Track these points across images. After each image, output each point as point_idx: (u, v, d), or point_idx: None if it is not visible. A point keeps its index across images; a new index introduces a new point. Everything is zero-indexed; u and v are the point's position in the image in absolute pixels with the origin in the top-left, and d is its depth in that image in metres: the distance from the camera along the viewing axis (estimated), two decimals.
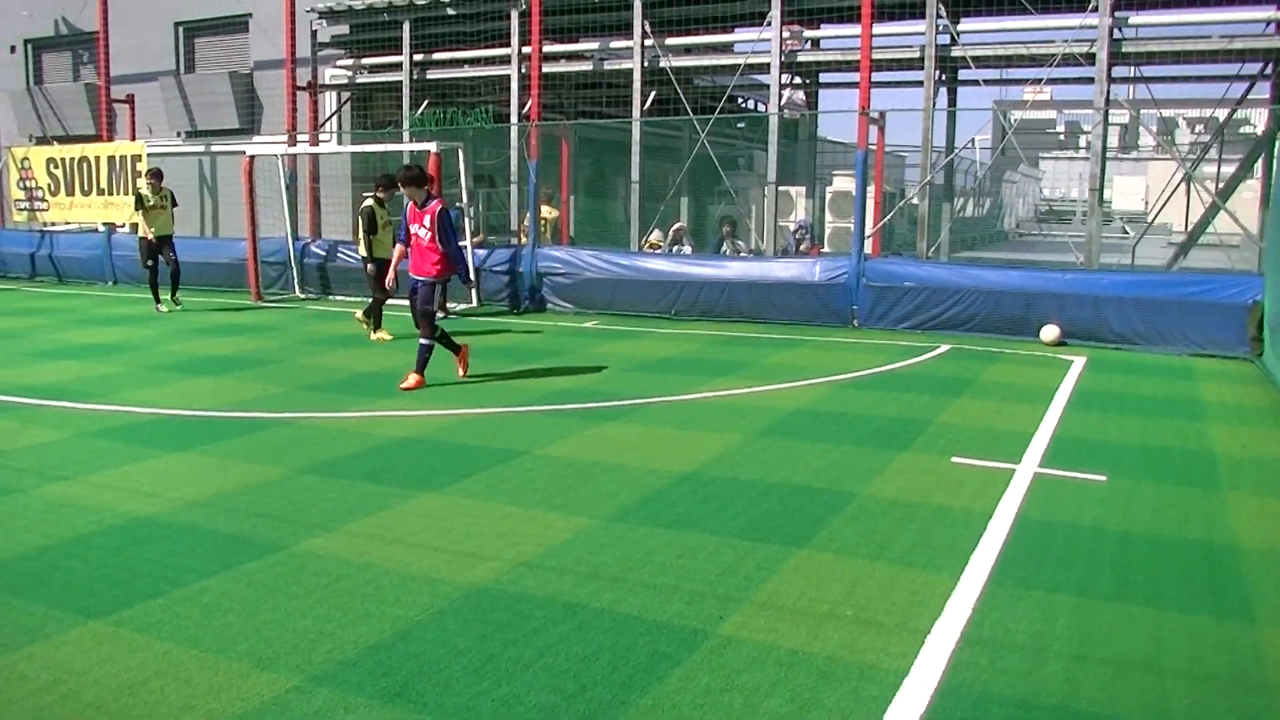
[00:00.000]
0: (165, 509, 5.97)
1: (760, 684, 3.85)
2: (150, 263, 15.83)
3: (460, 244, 15.79)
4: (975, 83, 17.45)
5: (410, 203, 9.91)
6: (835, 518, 5.84)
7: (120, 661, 4.02)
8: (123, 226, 20.17)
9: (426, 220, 9.80)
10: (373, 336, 12.99)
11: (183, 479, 6.62)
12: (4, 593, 4.73)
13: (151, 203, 15.61)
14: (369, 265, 12.95)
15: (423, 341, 9.78)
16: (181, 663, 4.02)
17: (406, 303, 13.50)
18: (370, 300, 13.30)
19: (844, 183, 20.50)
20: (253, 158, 17.10)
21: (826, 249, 19.31)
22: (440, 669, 3.96)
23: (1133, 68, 16.68)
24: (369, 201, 13.10)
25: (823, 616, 4.48)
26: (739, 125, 23.90)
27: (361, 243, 13.14)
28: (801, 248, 17.47)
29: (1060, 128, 73.30)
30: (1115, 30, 14.57)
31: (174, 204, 16.10)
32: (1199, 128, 21.70)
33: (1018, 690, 3.84)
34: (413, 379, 9.65)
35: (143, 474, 6.72)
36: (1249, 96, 17.04)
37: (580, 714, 3.63)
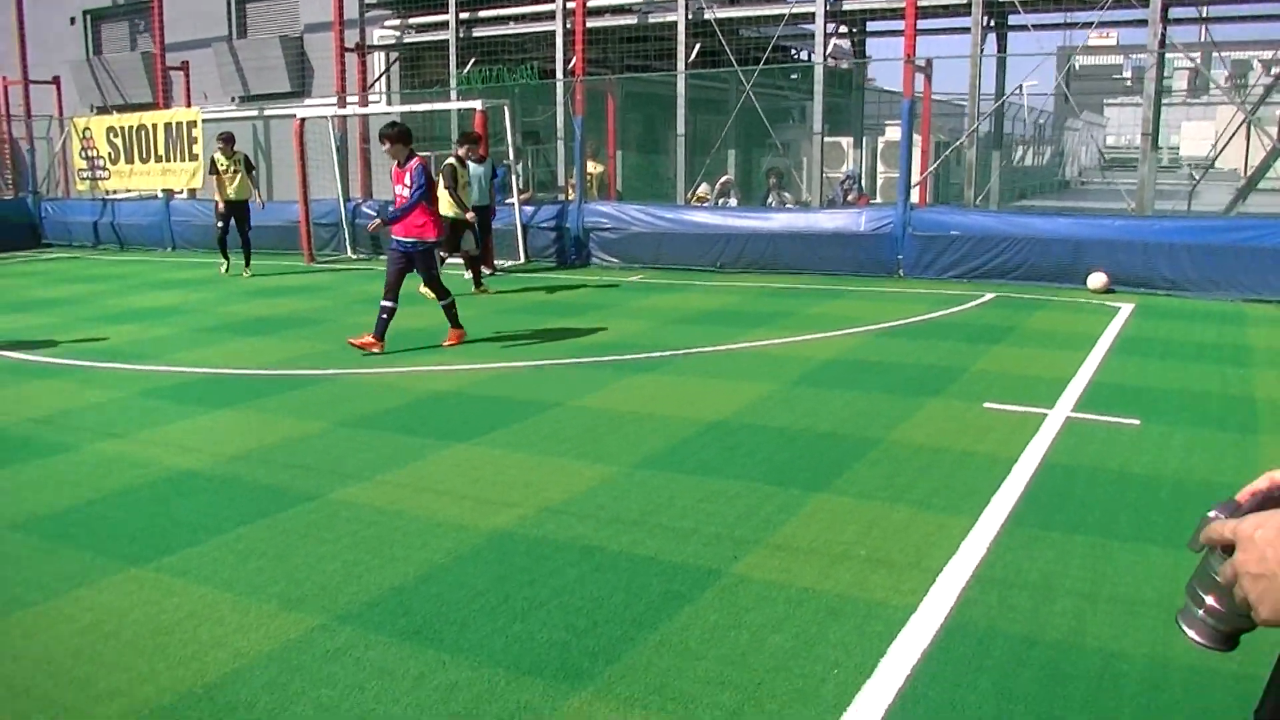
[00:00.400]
0: (208, 463, 6.18)
1: (768, 620, 3.94)
2: (221, 224, 15.95)
3: (509, 201, 16.05)
4: (1025, 27, 17.13)
5: (394, 163, 9.78)
6: (858, 463, 5.90)
7: (158, 604, 4.22)
8: (181, 193, 20.54)
9: (407, 178, 9.59)
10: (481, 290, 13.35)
11: (226, 434, 6.84)
12: (54, 541, 4.96)
13: (225, 167, 15.60)
14: (468, 215, 13.12)
15: (443, 303, 9.92)
16: (215, 604, 4.20)
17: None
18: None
19: (896, 133, 20.30)
20: (303, 120, 17.32)
21: (878, 200, 19.17)
22: (458, 609, 4.10)
23: (1197, 8, 16.27)
24: (450, 160, 13.28)
25: (836, 557, 4.56)
26: (791, 76, 23.70)
27: (442, 200, 13.29)
28: (849, 198, 17.36)
29: (1127, 73, 71.59)
30: None
31: (251, 168, 16.00)
32: (1275, 69, 21.08)
33: (1023, 628, 3.89)
34: (452, 335, 9.89)
35: (189, 430, 6.95)
36: None
37: (589, 649, 3.75)
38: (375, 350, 9.41)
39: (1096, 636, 3.82)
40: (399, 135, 9.65)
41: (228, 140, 15.78)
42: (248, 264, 16.06)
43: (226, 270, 16.09)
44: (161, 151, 19.98)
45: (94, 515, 5.31)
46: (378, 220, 10.11)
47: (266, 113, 22.34)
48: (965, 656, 3.67)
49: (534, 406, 7.30)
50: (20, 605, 4.24)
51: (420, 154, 9.82)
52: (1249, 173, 18.85)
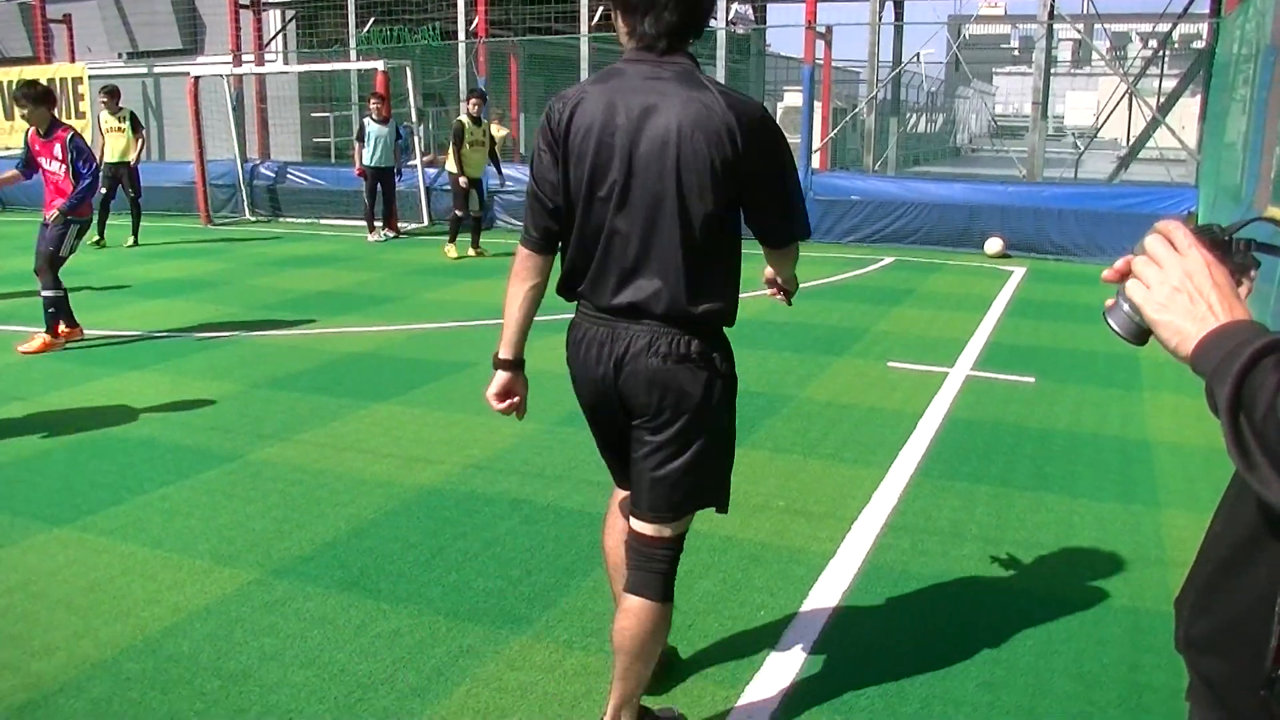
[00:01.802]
0: (121, 424, 6.12)
1: (694, 567, 4.11)
2: (103, 190, 13.45)
3: (411, 163, 15.92)
4: None
5: (31, 129, 8.14)
6: (772, 418, 6.11)
7: (86, 563, 4.21)
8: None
9: (57, 150, 8.04)
10: (449, 250, 13.15)
11: (138, 396, 6.75)
12: None
13: (108, 124, 14.21)
14: (460, 180, 12.94)
15: (45, 294, 8.09)
16: (146, 562, 4.22)
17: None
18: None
19: (795, 98, 20.59)
20: (197, 79, 16.88)
21: None
22: (392, 561, 4.19)
23: None
24: (461, 117, 13.14)
25: (755, 508, 4.75)
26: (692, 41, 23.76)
27: (450, 158, 13.14)
28: None
29: (1014, 43, 73.27)
30: None
31: (138, 127, 14.37)
32: (1152, 42, 21.87)
33: (934, 569, 4.13)
34: (40, 341, 8.07)
35: (99, 392, 6.85)
36: (1190, 10, 17.24)
37: (524, 596, 3.88)
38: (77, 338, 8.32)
39: (1003, 576, 4.07)
40: (36, 95, 8.02)
41: (113, 95, 14.32)
42: (134, 233, 14.45)
43: (100, 243, 14.12)
44: None
45: (6, 479, 5.23)
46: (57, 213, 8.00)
47: (157, 70, 21.70)
48: (883, 596, 3.90)
49: (450, 366, 7.36)
50: None
51: (67, 124, 8.17)
52: (1131, 142, 19.60)
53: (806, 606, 3.80)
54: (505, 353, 2.91)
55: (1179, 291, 1.21)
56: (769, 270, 3.06)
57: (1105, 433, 5.96)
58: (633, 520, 2.79)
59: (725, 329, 2.79)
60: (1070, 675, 3.35)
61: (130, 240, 14.42)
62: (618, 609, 2.82)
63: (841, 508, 4.76)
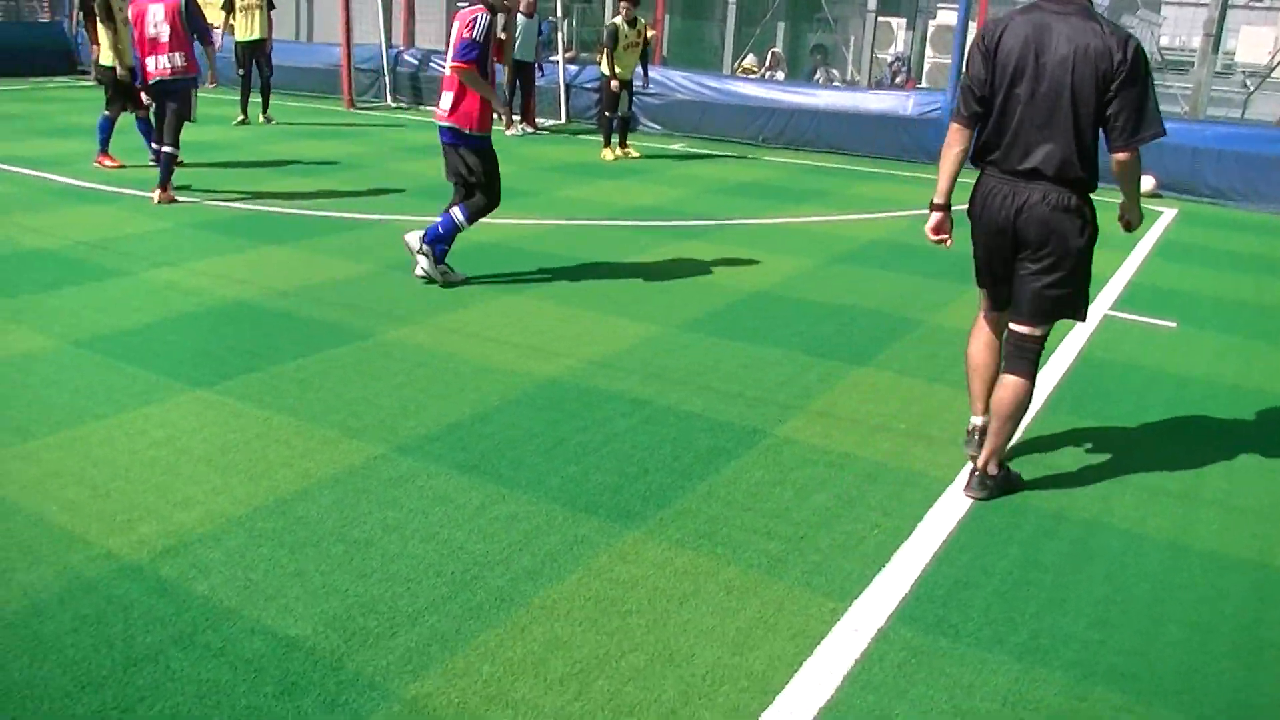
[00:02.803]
0: (260, 296, 6.33)
1: (810, 480, 4.12)
2: (242, 70, 14.34)
3: (553, 59, 15.87)
4: None
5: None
6: (899, 342, 6.02)
7: (225, 425, 4.41)
8: (217, 28, 20.19)
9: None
10: (606, 154, 13.05)
11: (277, 270, 6.97)
12: (118, 359, 5.14)
13: (242, 2, 14.19)
14: (612, 83, 12.73)
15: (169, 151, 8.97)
16: (280, 428, 4.39)
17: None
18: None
19: (948, 17, 19.84)
20: None
21: (924, 84, 18.86)
22: (513, 448, 4.29)
23: None
24: (616, 19, 12.88)
25: (876, 427, 4.71)
26: None
27: (604, 59, 13.08)
28: (897, 80, 17.10)
29: None
30: None
31: (270, 5, 14.39)
32: None
33: (1053, 505, 4.06)
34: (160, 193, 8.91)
35: (241, 264, 7.08)
36: None
37: (639, 493, 3.94)
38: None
39: (1122, 518, 3.98)
40: None
41: None
42: (265, 109, 14.69)
43: (244, 121, 14.40)
44: None
45: (153, 338, 5.49)
46: None
47: None
48: (997, 527, 3.85)
49: (578, 263, 7.41)
50: (93, 417, 4.44)
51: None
52: None
53: (920, 530, 3.78)
54: (939, 199, 4.14)
55: None
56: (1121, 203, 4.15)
57: (1246, 385, 5.72)
58: (1013, 325, 4.11)
59: (1089, 192, 3.97)
60: (1185, 624, 3.27)
61: (263, 117, 14.69)
62: (997, 386, 4.11)
63: (963, 436, 4.68)
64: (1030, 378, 4.04)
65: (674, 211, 9.57)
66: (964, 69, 4.00)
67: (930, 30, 20.19)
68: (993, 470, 4.08)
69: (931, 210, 4.15)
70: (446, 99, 6.51)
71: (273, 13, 14.69)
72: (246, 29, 14.34)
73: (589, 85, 16.17)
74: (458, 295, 6.51)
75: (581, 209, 9.57)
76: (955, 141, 4.02)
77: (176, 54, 8.76)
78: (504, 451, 4.25)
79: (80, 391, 4.70)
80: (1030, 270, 3.97)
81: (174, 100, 8.89)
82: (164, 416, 4.47)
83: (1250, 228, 10.74)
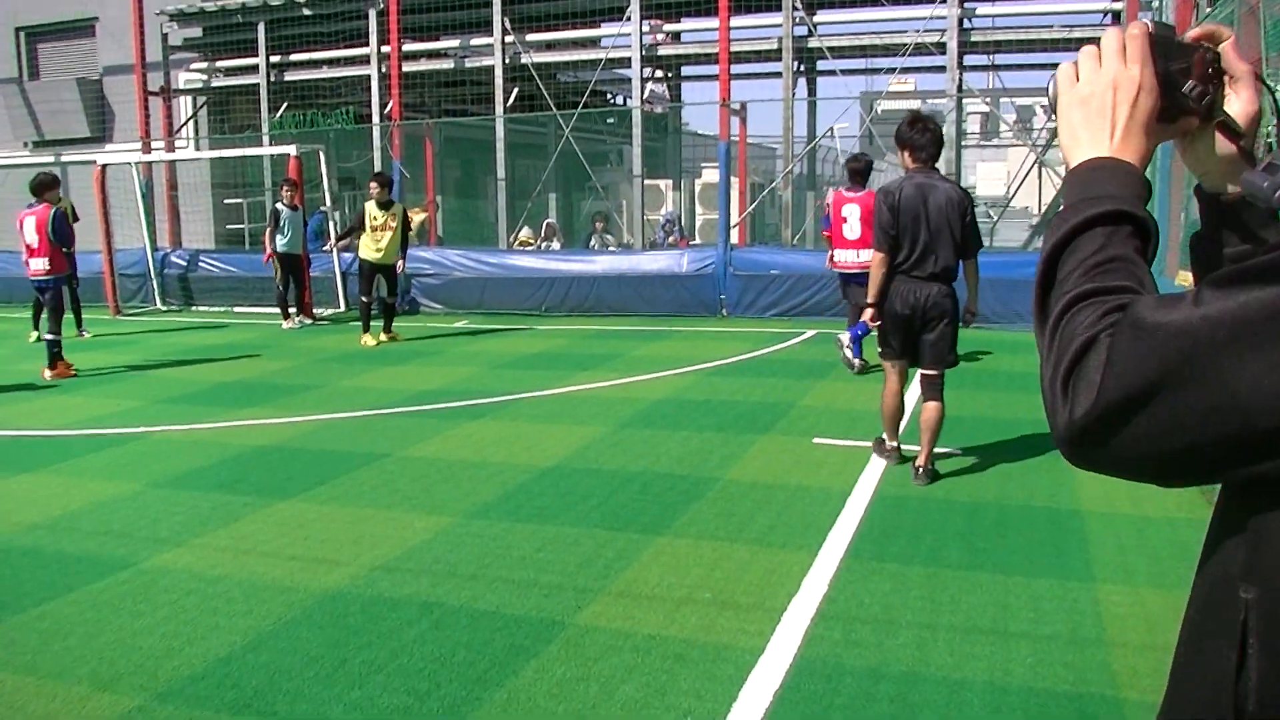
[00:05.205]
0: (4, 534, 5.72)
1: (615, 670, 3.87)
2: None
3: (325, 248, 15.64)
4: (833, 73, 17.78)
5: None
6: (695, 503, 5.90)
7: None
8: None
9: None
10: (366, 340, 12.61)
11: (26, 501, 6.35)
12: None
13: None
14: (365, 265, 12.54)
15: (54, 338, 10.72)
16: (16, 691, 3.86)
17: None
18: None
19: (713, 175, 20.71)
20: (104, 166, 16.51)
21: (697, 240, 19.49)
22: (291, 677, 3.88)
23: (988, 56, 17.22)
24: (368, 202, 12.60)
25: (680, 601, 4.52)
26: (609, 120, 23.94)
27: (352, 239, 12.85)
28: (670, 240, 17.60)
29: None
30: (964, 20, 15.03)
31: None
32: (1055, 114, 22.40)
33: (869, 661, 3.93)
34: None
35: None
36: None
37: (433, 712, 3.60)
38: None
39: (939, 666, 3.88)
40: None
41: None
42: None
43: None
44: None
45: None
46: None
47: (64, 158, 21.21)
48: (816, 694, 3.68)
49: (361, 458, 7.06)
50: None
51: None
52: (1042, 210, 20.00)
53: (736, 711, 3.57)
54: (873, 299, 6.16)
55: (1093, 97, 1.15)
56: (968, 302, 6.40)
57: (1034, 504, 5.84)
58: (924, 371, 6.24)
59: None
60: None
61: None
62: (922, 410, 6.31)
63: (770, 597, 4.54)
64: (941, 400, 6.25)
65: (461, 392, 9.35)
66: (876, 219, 6.11)
67: (698, 188, 21.03)
68: (927, 465, 6.18)
69: (869, 307, 6.21)
70: None
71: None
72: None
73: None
74: (229, 508, 6.06)
75: (365, 399, 9.24)
76: (880, 264, 6.07)
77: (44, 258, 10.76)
78: (279, 683, 3.84)
79: None
80: (931, 333, 6.08)
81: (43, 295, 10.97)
82: None
83: (1012, 347, 11.34)
